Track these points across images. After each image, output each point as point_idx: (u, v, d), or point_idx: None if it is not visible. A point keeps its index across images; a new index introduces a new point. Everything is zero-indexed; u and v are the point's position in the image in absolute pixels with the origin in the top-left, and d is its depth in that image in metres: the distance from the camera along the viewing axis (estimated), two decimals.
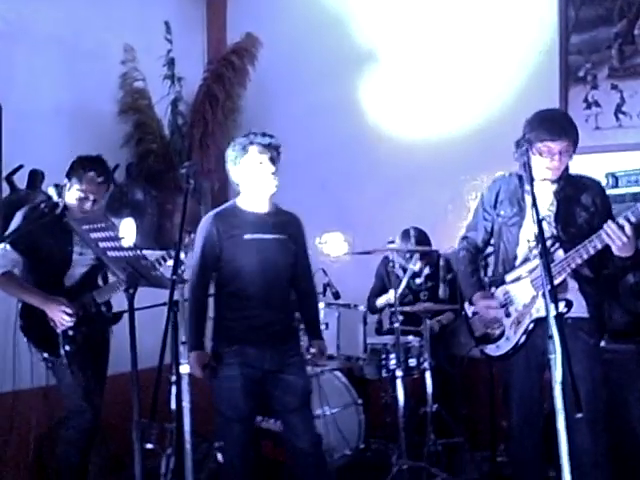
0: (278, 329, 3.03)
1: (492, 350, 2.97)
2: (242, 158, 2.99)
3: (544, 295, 2.20)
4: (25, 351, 3.31)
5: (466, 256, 3.12)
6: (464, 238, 3.17)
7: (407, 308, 3.93)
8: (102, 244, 2.54)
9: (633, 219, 2.54)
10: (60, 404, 3.46)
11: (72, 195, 3.27)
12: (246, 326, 2.98)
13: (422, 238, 4.29)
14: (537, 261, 2.44)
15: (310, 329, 3.25)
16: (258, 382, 3.00)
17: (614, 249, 2.57)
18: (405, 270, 4.37)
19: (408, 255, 4.28)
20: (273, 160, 2.98)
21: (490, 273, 3.24)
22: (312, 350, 3.19)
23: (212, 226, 3.00)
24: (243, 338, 2.98)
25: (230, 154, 3.05)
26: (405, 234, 4.30)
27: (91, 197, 3.29)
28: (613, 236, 2.53)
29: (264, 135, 3.01)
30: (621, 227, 2.53)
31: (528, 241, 2.82)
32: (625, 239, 2.52)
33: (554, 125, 2.76)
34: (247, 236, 2.98)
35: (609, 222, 2.56)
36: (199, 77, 5.34)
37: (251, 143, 2.98)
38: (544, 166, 2.77)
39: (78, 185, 3.27)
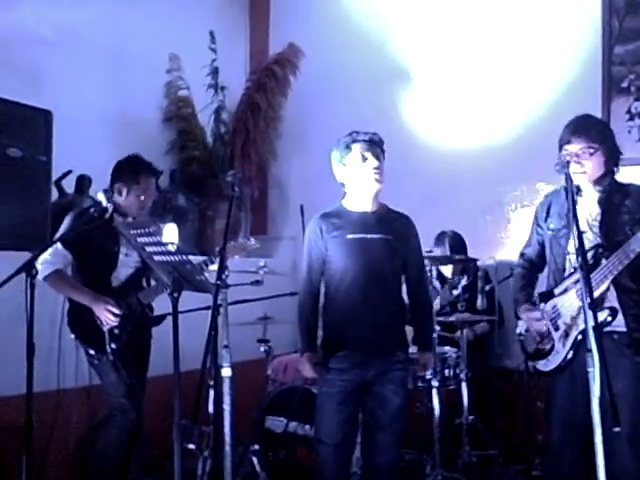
0: (384, 335, 2.91)
1: (542, 365, 2.93)
2: (347, 156, 2.96)
3: (583, 308, 2.19)
4: (70, 350, 3.42)
5: (520, 272, 3.11)
6: (521, 255, 3.16)
7: (443, 318, 3.93)
8: (149, 248, 2.62)
9: None
10: (102, 404, 3.55)
11: (133, 196, 3.43)
12: (351, 331, 2.90)
13: (457, 242, 4.28)
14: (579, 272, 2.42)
15: (417, 338, 3.13)
16: (357, 392, 2.90)
17: None
18: (442, 276, 4.37)
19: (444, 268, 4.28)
20: (377, 157, 2.94)
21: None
22: (420, 362, 3.10)
23: (316, 227, 2.98)
24: (348, 342, 2.90)
25: (334, 155, 3.01)
26: (440, 237, 4.30)
27: (149, 194, 3.48)
28: None
29: (365, 133, 2.98)
30: None
31: (568, 253, 2.81)
32: None
33: (570, 127, 2.79)
34: (350, 236, 2.92)
35: None
36: (242, 86, 5.44)
37: (354, 141, 2.95)
38: (572, 171, 2.72)
39: (137, 185, 3.44)
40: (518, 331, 3.06)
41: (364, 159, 2.93)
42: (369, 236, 2.93)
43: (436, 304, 3.86)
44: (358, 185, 2.97)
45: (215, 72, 5.15)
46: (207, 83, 5.16)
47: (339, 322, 2.93)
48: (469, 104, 4.88)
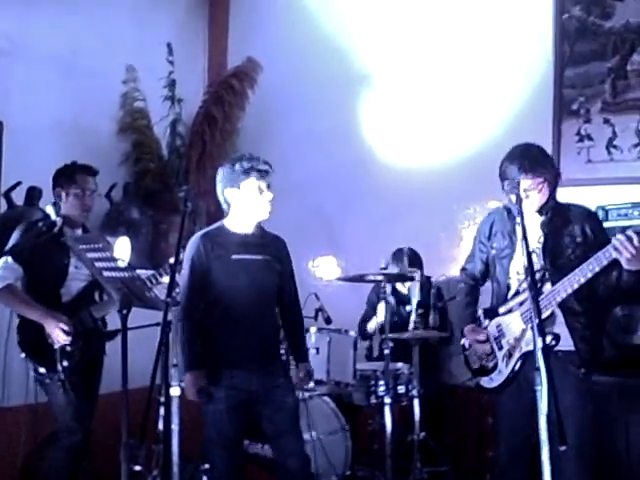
0: (265, 350, 3.05)
1: (486, 382, 2.98)
2: (243, 182, 2.99)
3: (532, 328, 2.22)
4: (17, 367, 3.33)
5: (463, 288, 3.15)
6: (462, 269, 3.20)
7: (397, 335, 3.95)
8: (98, 264, 2.57)
9: None
10: (48, 422, 3.46)
11: (71, 198, 3.38)
12: (232, 347, 2.98)
13: (414, 258, 4.32)
14: (526, 294, 2.46)
15: (295, 351, 3.29)
16: (245, 404, 3.00)
17: (623, 262, 2.52)
18: (396, 292, 4.40)
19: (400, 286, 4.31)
20: (269, 187, 3.02)
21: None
22: (299, 374, 3.20)
23: (200, 245, 3.01)
24: (229, 360, 2.98)
25: (227, 174, 3.03)
26: (398, 253, 4.33)
27: (87, 191, 3.42)
28: (621, 248, 2.48)
29: (263, 162, 3.03)
30: (629, 239, 2.47)
31: (518, 273, 2.85)
32: (633, 251, 2.46)
33: (517, 164, 2.79)
34: (235, 256, 3.00)
35: (618, 235, 2.51)
36: (199, 99, 5.40)
37: (252, 168, 2.98)
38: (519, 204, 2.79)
39: (74, 185, 3.39)
40: (462, 343, 3.11)
41: (260, 191, 2.99)
42: (251, 257, 3.03)
43: (384, 321, 3.87)
44: (248, 211, 3.04)
45: (172, 84, 5.11)
46: (164, 95, 5.12)
47: (222, 340, 2.98)
48: (425, 122, 4.94)
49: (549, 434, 2.20)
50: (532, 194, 2.79)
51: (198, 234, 3.09)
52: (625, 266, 2.55)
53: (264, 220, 3.09)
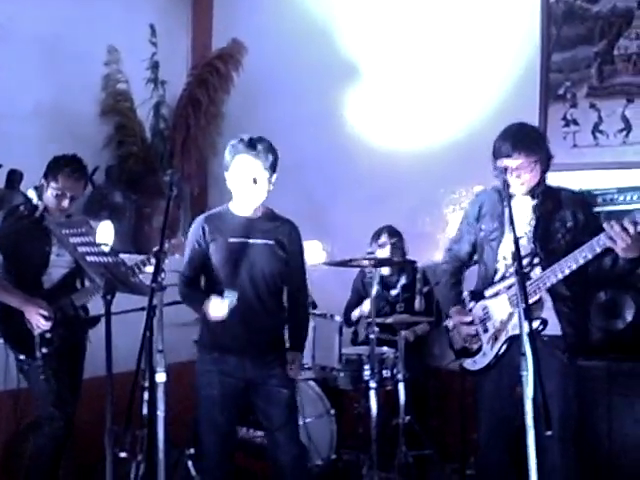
0: (261, 337, 2.98)
1: (469, 364, 2.99)
2: (231, 164, 2.96)
3: (519, 313, 2.23)
4: None
5: (447, 269, 3.14)
6: (448, 250, 3.18)
7: (382, 319, 3.95)
8: (81, 249, 2.54)
9: None
10: (30, 408, 3.43)
11: (49, 194, 3.29)
12: (226, 332, 2.93)
13: (393, 233, 4.34)
14: (514, 278, 2.46)
15: (290, 339, 3.18)
16: (241, 392, 2.97)
17: (618, 251, 2.53)
18: (382, 277, 4.40)
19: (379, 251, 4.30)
20: (261, 168, 2.92)
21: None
22: (288, 360, 3.11)
23: (200, 227, 3.01)
24: (223, 345, 2.96)
25: (225, 157, 3.02)
26: (377, 231, 4.37)
27: (68, 194, 3.32)
28: (616, 238, 2.48)
29: (253, 141, 2.93)
30: (625, 229, 2.47)
31: (504, 258, 2.85)
32: (629, 241, 2.46)
33: (510, 142, 2.77)
34: (232, 239, 2.96)
35: (613, 223, 2.50)
36: (182, 81, 5.34)
37: (237, 150, 2.93)
38: (510, 183, 2.76)
39: (54, 183, 3.29)
40: (445, 324, 3.10)
41: (247, 174, 2.91)
42: (250, 241, 2.97)
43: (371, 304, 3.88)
44: (239, 194, 2.99)
45: (155, 66, 5.04)
46: (147, 77, 5.05)
47: (217, 324, 2.93)
48: (411, 107, 4.91)
49: (534, 419, 2.21)
50: (523, 173, 2.78)
51: (201, 216, 3.08)
52: (621, 254, 2.55)
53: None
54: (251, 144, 2.92)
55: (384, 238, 4.32)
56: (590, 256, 2.58)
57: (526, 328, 2.20)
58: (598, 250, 2.56)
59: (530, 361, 2.21)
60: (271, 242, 2.98)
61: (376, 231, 4.41)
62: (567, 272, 2.64)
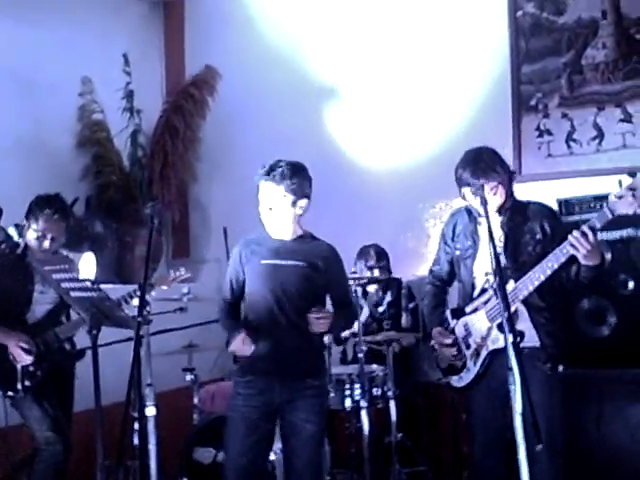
0: (290, 360, 2.88)
1: (455, 381, 3.03)
2: (259, 191, 2.96)
3: (498, 326, 2.25)
4: None
5: (430, 290, 3.20)
6: (430, 271, 3.24)
7: (370, 337, 3.96)
8: (65, 284, 2.53)
9: (598, 225, 2.55)
10: (20, 445, 3.40)
11: (31, 235, 3.29)
12: (257, 354, 2.88)
13: (380, 252, 4.34)
14: (490, 292, 2.49)
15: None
16: (267, 417, 2.90)
17: (580, 258, 2.58)
18: (366, 292, 4.41)
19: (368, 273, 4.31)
20: (279, 193, 2.88)
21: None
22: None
23: (238, 252, 3.02)
24: (254, 368, 2.91)
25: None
26: (363, 250, 4.35)
27: (49, 236, 3.32)
28: (577, 244, 2.53)
29: (270, 166, 2.90)
30: (584, 235, 2.53)
31: (486, 274, 2.89)
32: (589, 247, 2.52)
33: (469, 170, 2.86)
34: (264, 261, 2.94)
35: (573, 231, 2.56)
36: (158, 109, 5.35)
37: (259, 179, 2.92)
38: (477, 205, 2.83)
39: (35, 225, 3.30)
40: (431, 344, 3.14)
41: (263, 199, 2.92)
42: (281, 262, 2.93)
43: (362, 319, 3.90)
44: (263, 221, 2.99)
45: (130, 95, 5.05)
46: (122, 106, 5.05)
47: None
48: (386, 124, 4.95)
49: (524, 432, 2.23)
50: (490, 198, 2.81)
51: (241, 241, 3.07)
52: (582, 261, 2.61)
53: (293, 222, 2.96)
54: (268, 169, 2.91)
55: (372, 261, 4.30)
56: (556, 265, 2.64)
57: (501, 342, 2.22)
58: (563, 259, 2.63)
59: (517, 375, 2.23)
60: (301, 263, 2.92)
61: (362, 249, 4.38)
62: (537, 283, 2.69)
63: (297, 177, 2.90)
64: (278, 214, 2.92)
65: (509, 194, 2.91)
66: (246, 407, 2.89)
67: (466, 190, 2.90)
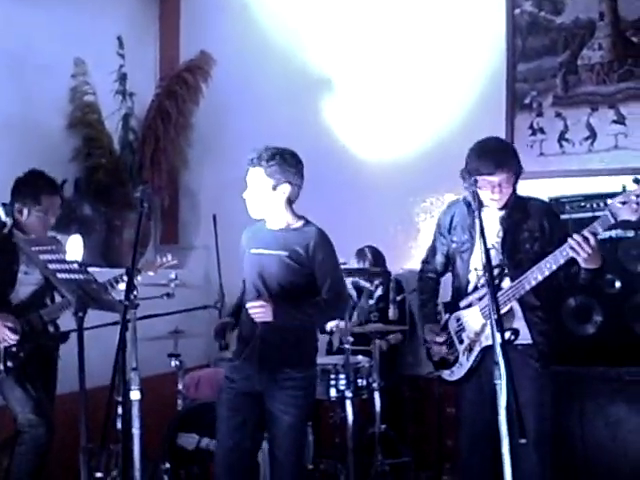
0: (273, 350, 2.89)
1: (447, 375, 3.03)
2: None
3: (491, 323, 2.26)
4: None
5: (421, 284, 3.19)
6: (423, 262, 3.22)
7: (357, 329, 3.96)
8: (52, 266, 2.51)
9: (600, 231, 2.56)
10: (4, 425, 3.38)
11: (33, 216, 3.31)
12: (243, 341, 2.98)
13: (377, 257, 4.35)
14: (485, 289, 2.49)
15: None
16: (251, 403, 2.92)
17: (580, 261, 2.59)
18: (358, 289, 4.41)
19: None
20: (260, 176, 2.88)
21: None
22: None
23: (242, 238, 3.09)
24: (240, 353, 2.98)
25: None
26: (360, 253, 4.35)
27: (51, 212, 3.37)
28: (578, 249, 2.54)
29: (256, 150, 2.92)
30: (586, 239, 2.53)
31: (476, 269, 2.89)
32: (590, 251, 2.53)
33: (491, 159, 2.80)
34: (252, 251, 2.99)
35: (574, 235, 2.56)
36: (151, 93, 5.29)
37: (246, 161, 2.95)
38: (487, 197, 2.84)
39: (37, 205, 3.32)
40: (423, 339, 3.14)
41: (246, 184, 2.96)
42: (266, 252, 2.94)
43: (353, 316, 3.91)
44: None
45: (123, 78, 5.00)
46: (115, 89, 5.01)
47: (239, 333, 3.01)
48: (379, 118, 4.95)
49: (509, 427, 2.23)
50: (505, 188, 2.82)
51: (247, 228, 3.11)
52: (582, 265, 2.62)
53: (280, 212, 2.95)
54: (252, 153, 2.92)
55: (368, 263, 4.30)
56: (555, 267, 2.64)
57: (499, 338, 2.23)
58: (562, 261, 2.63)
59: (503, 370, 2.23)
60: (284, 253, 2.90)
61: (359, 251, 4.39)
62: (534, 283, 2.69)
63: (277, 160, 2.87)
64: (258, 198, 2.92)
65: (514, 188, 2.90)
66: (232, 390, 2.95)
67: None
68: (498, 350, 2.23)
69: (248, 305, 2.84)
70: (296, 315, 2.88)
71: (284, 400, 2.87)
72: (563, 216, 3.64)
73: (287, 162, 2.90)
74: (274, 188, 2.89)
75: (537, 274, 2.67)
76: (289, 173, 2.90)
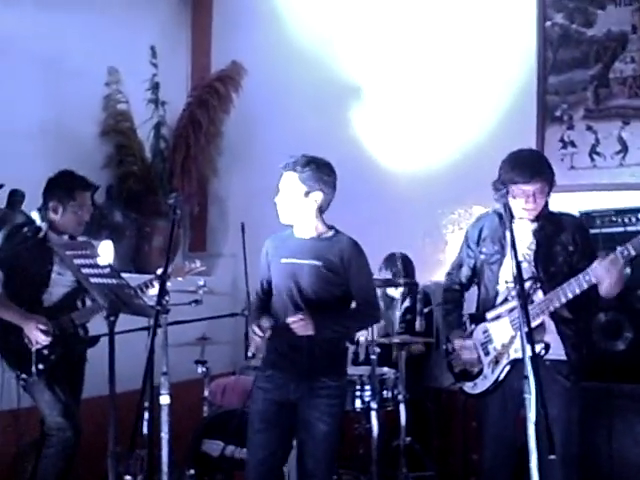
0: (306, 360, 2.87)
1: (469, 388, 3.00)
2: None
3: (521, 336, 2.24)
4: None
5: (446, 295, 3.17)
6: (448, 274, 3.20)
7: (383, 340, 3.95)
8: (85, 270, 2.55)
9: (633, 253, 2.54)
10: (31, 428, 3.42)
11: (68, 214, 3.35)
12: (275, 351, 2.94)
13: (407, 265, 4.33)
14: (516, 301, 2.47)
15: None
16: (284, 413, 2.90)
17: (601, 290, 2.59)
18: (388, 297, 4.39)
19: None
20: (294, 181, 2.89)
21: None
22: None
23: (265, 249, 3.06)
24: (274, 363, 2.95)
25: None
26: (390, 258, 4.34)
27: (85, 208, 3.42)
28: (603, 273, 2.55)
29: (292, 157, 2.93)
30: (613, 262, 2.53)
31: (506, 282, 2.87)
32: (617, 275, 2.53)
33: (526, 168, 2.79)
34: (283, 260, 2.95)
35: (599, 260, 2.56)
36: (182, 102, 5.37)
37: (281, 167, 2.96)
38: (520, 207, 2.83)
39: (73, 201, 3.36)
40: (444, 347, 3.12)
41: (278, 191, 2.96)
42: (299, 261, 2.92)
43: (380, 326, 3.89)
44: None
45: (156, 87, 5.08)
46: (147, 98, 5.09)
47: (271, 343, 2.94)
48: (409, 128, 4.95)
49: (536, 442, 2.21)
50: (539, 198, 2.82)
51: (270, 236, 3.08)
52: (602, 293, 2.63)
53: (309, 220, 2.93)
54: (289, 159, 2.93)
55: (395, 270, 4.26)
56: (578, 291, 2.64)
57: (529, 352, 2.21)
58: (585, 286, 2.63)
59: (533, 384, 2.22)
60: (318, 263, 2.88)
61: (388, 257, 4.36)
62: (571, 295, 2.67)
63: (312, 168, 2.89)
64: (290, 203, 2.92)
65: (546, 202, 2.89)
66: (265, 401, 2.91)
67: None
68: (528, 363, 2.21)
69: (289, 320, 2.81)
70: (334, 327, 2.90)
71: (320, 408, 2.86)
72: (593, 230, 3.61)
73: (321, 170, 2.91)
74: (306, 195, 2.90)
75: (575, 287, 2.65)
76: (322, 182, 2.90)
